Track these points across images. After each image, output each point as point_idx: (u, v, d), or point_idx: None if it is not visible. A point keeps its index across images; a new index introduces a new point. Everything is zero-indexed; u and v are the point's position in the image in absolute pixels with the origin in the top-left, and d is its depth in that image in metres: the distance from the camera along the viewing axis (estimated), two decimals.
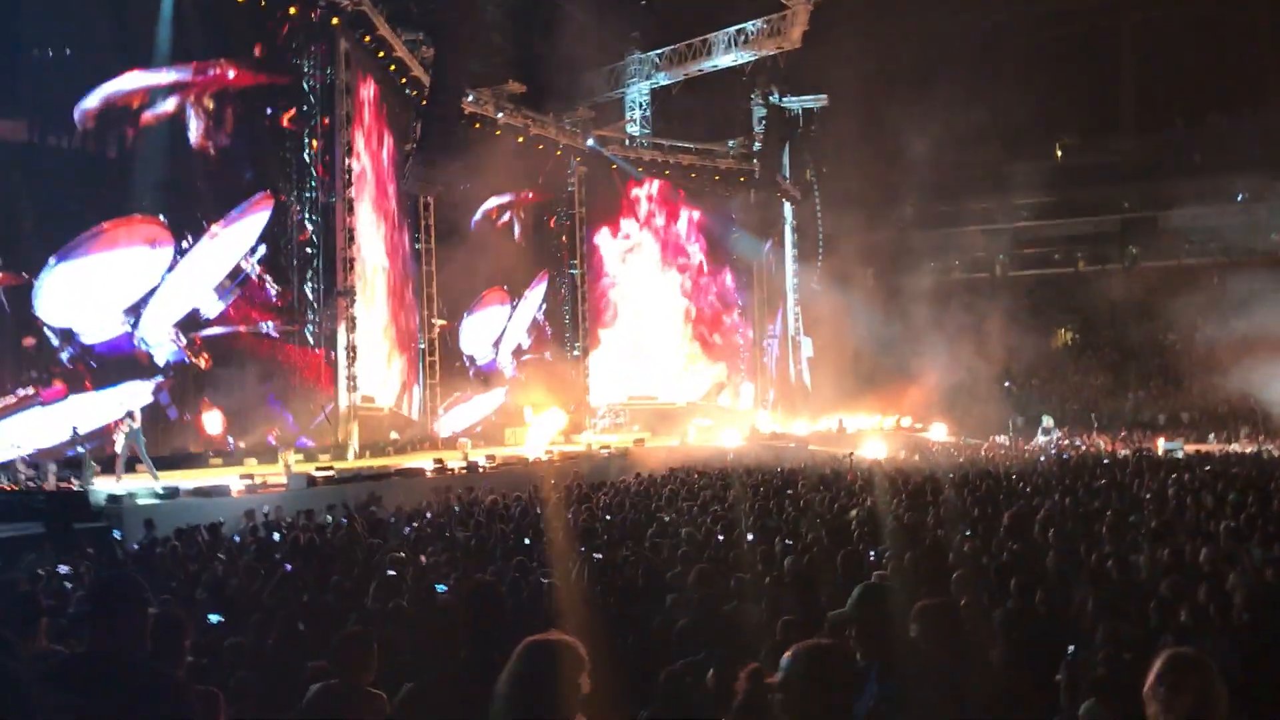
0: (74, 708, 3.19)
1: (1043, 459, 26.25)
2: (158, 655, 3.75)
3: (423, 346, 29.93)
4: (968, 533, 10.64)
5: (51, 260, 20.35)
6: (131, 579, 3.58)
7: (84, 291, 20.79)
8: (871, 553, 8.87)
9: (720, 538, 10.40)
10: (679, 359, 39.47)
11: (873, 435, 34.19)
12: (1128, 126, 50.42)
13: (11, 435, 19.06)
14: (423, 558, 9.54)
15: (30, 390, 19.85)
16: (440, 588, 7.97)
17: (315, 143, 25.35)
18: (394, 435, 26.87)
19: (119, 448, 18.13)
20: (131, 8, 22.03)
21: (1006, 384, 44.38)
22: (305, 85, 25.26)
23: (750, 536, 10.34)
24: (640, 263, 38.96)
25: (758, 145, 39.94)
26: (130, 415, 18.32)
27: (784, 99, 40.00)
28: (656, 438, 32.15)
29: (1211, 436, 35.05)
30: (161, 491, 16.23)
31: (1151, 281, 45.50)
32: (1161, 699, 2.98)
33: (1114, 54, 48.55)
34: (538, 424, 30.66)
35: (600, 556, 9.18)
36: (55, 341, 20.58)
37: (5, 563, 11.11)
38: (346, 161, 25.38)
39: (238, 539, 12.28)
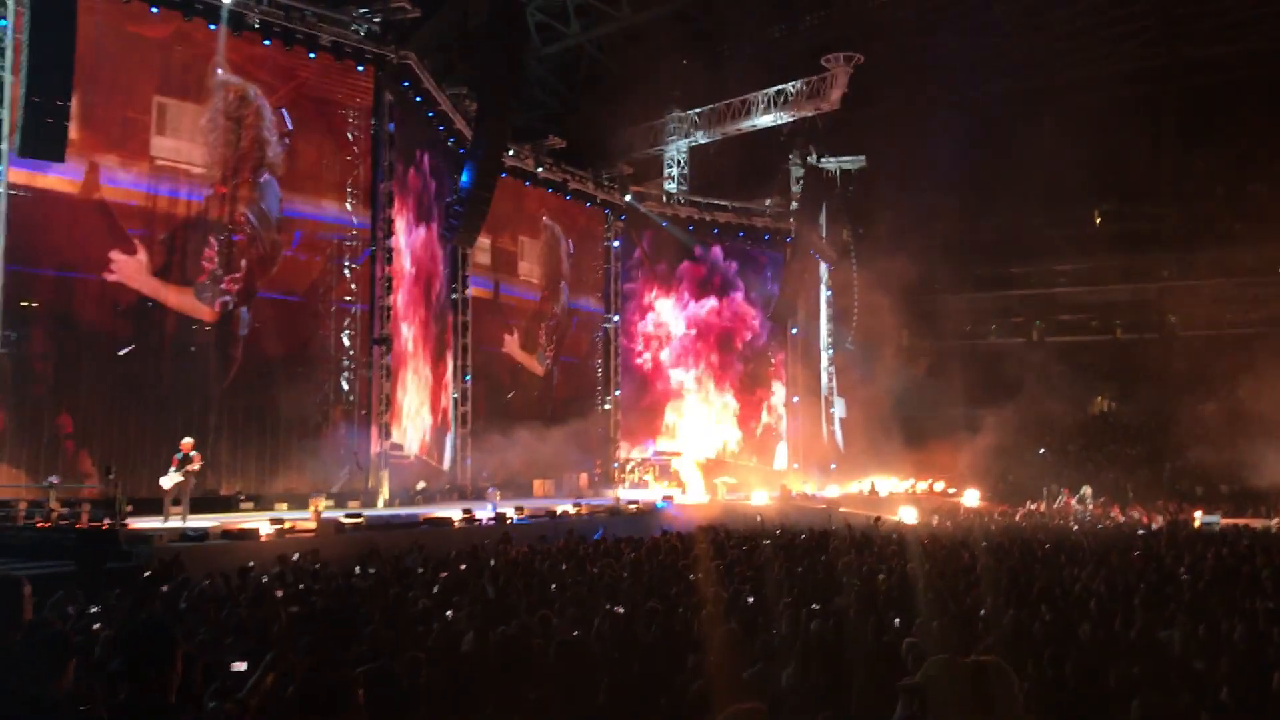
0: None
1: (1076, 528, 25.90)
2: (187, 700, 3.78)
3: (455, 396, 30.08)
4: (999, 602, 10.52)
5: None
6: (162, 628, 3.62)
7: None
8: (898, 620, 8.77)
9: (750, 599, 10.32)
10: (708, 417, 39.43)
11: (904, 499, 33.86)
12: (1167, 193, 50.20)
13: None
14: (449, 612, 9.52)
15: None
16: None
17: (355, 192, 25.76)
18: (421, 485, 26.90)
19: (168, 484, 18.22)
20: None
21: (1041, 450, 43.91)
22: (349, 135, 25.69)
23: (782, 599, 10.26)
24: (673, 318, 39.19)
25: (794, 205, 40.14)
26: (194, 454, 18.50)
27: (822, 159, 40.25)
28: (685, 494, 32.02)
29: (1250, 510, 34.44)
30: (191, 533, 16.33)
31: (1190, 350, 45.05)
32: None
33: (1155, 120, 48.49)
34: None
35: (621, 611, 9.14)
36: None
37: (37, 601, 11.19)
38: (386, 212, 25.74)
39: (266, 580, 12.30)
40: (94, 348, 21.08)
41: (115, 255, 21.14)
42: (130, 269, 21.40)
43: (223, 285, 22.93)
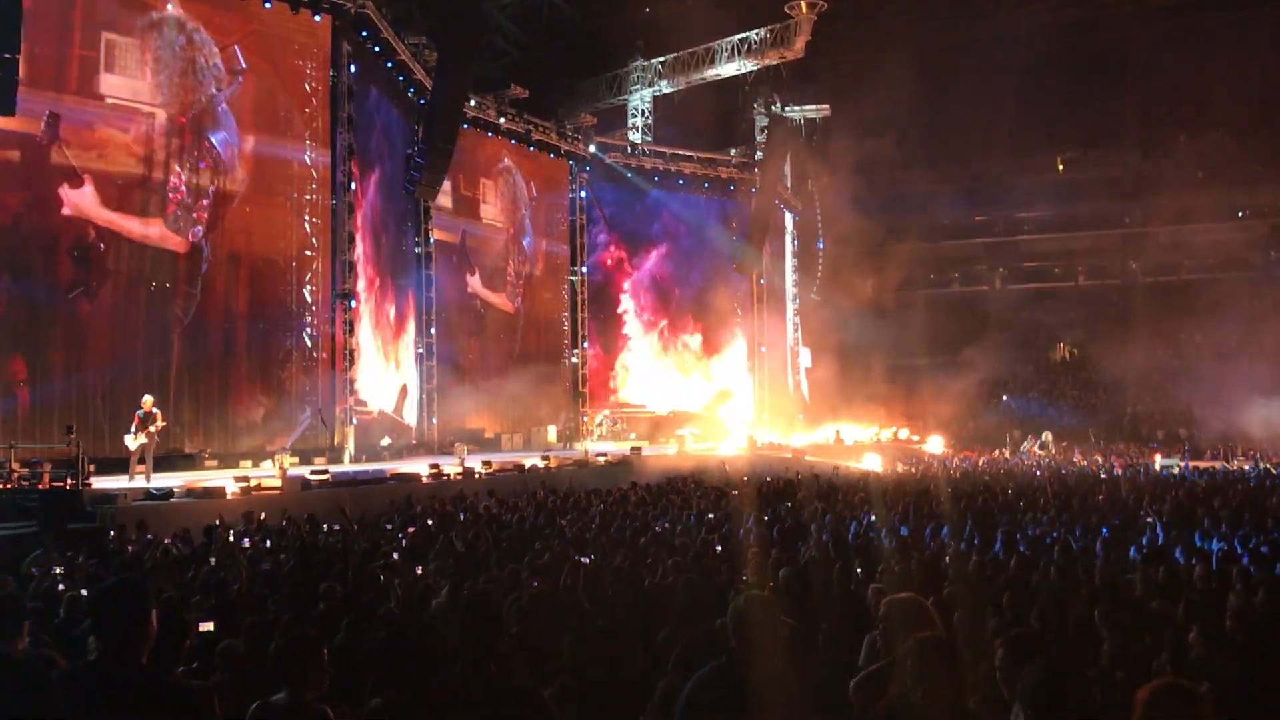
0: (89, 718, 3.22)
1: (1039, 473, 26.25)
2: (159, 660, 3.74)
3: (420, 350, 29.91)
4: (962, 547, 10.66)
5: None
6: (136, 586, 3.57)
7: None
8: (863, 566, 8.86)
9: (719, 549, 10.39)
10: (675, 368, 39.53)
11: (870, 447, 34.17)
12: (1130, 141, 50.50)
13: None
14: (418, 568, 9.52)
15: None
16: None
17: (314, 145, 25.38)
18: (386, 441, 26.79)
19: (133, 445, 18.04)
20: None
21: (1005, 398, 44.41)
22: (306, 86, 25.26)
23: (750, 548, 10.33)
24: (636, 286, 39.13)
25: (759, 154, 40.02)
26: (156, 412, 18.29)
27: (786, 108, 40.09)
28: (652, 446, 32.15)
29: (1209, 454, 35.07)
30: (155, 492, 16.21)
31: (1151, 297, 45.58)
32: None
33: (1119, 67, 48.63)
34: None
35: (587, 562, 9.17)
36: None
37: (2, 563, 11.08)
38: (346, 164, 25.39)
39: (233, 541, 12.25)
40: (50, 290, 20.65)
41: (65, 191, 20.68)
42: (84, 202, 20.94)
43: (194, 215, 22.61)
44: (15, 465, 16.99)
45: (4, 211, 20.19)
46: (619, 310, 38.79)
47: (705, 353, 40.40)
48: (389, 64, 27.66)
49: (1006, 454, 35.94)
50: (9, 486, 16.04)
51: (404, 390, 29.26)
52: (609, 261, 38.67)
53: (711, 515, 13.84)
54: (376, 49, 26.81)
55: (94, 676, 3.37)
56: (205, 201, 22.90)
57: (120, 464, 18.28)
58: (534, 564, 9.38)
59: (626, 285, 38.97)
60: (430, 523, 13.94)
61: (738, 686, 3.79)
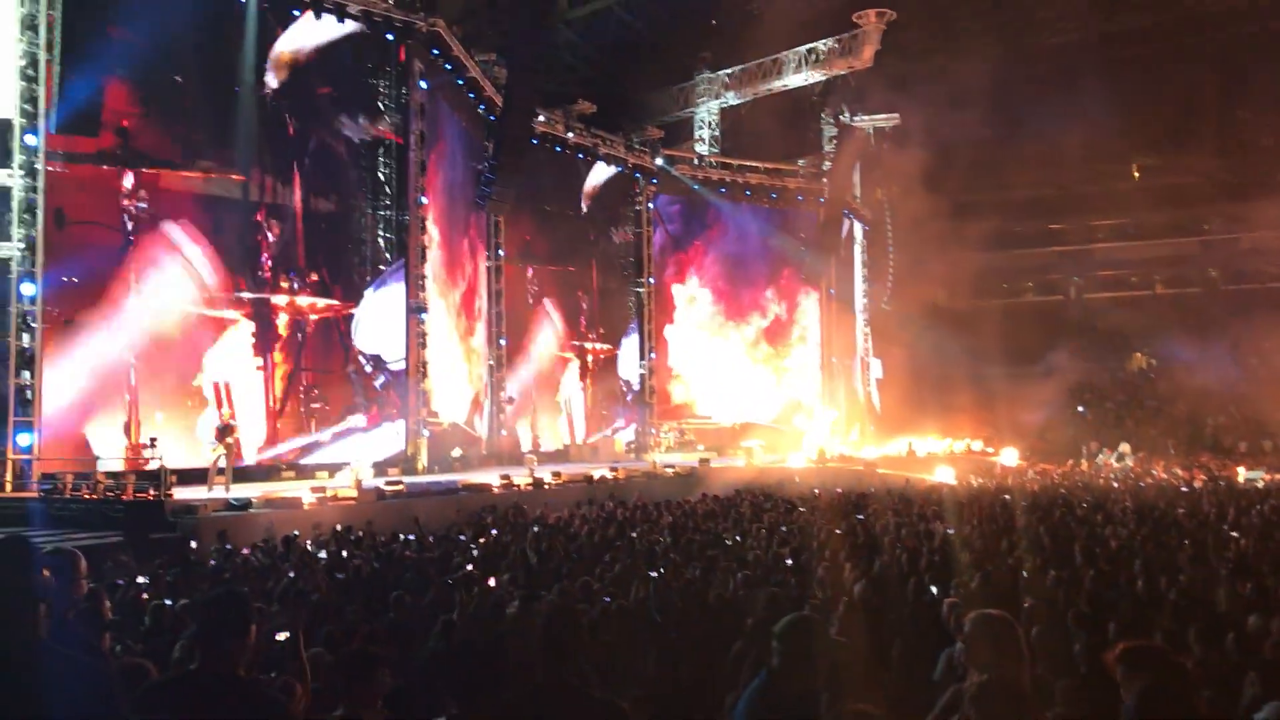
0: None
1: (1117, 485, 25.71)
2: (253, 670, 3.81)
3: (490, 363, 30.17)
4: (1040, 562, 10.46)
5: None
6: (240, 599, 3.64)
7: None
8: (938, 581, 8.74)
9: (789, 562, 10.33)
10: (746, 379, 39.37)
11: (942, 459, 33.72)
12: (1209, 145, 49.27)
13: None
14: (491, 579, 9.60)
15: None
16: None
17: (388, 160, 25.85)
18: (456, 452, 27.05)
19: (211, 457, 18.48)
20: None
21: (1080, 409, 43.54)
22: (380, 105, 25.73)
23: (822, 562, 10.26)
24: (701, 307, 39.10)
25: (828, 165, 39.78)
26: (234, 424, 18.80)
27: (855, 118, 39.81)
28: (720, 458, 32.07)
29: None
30: (235, 503, 16.55)
31: (1232, 305, 44.40)
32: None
33: (1197, 72, 47.51)
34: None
35: (657, 576, 9.16)
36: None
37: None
38: (420, 179, 25.77)
39: (312, 550, 12.46)
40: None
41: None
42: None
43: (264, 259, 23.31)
44: (100, 476, 17.49)
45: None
46: (685, 322, 38.72)
47: (773, 364, 40.20)
48: (460, 81, 28.00)
49: (1083, 466, 35.22)
50: (95, 497, 16.51)
51: (476, 401, 29.54)
52: (674, 274, 38.66)
53: (783, 528, 13.76)
54: (448, 66, 27.17)
55: (192, 685, 3.45)
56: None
57: (201, 475, 18.75)
58: (605, 576, 9.40)
59: (692, 298, 38.90)
60: (495, 532, 14.06)
61: (774, 706, 3.77)
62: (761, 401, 39.44)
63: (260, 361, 23.00)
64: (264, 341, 23.06)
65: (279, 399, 23.35)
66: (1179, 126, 48.61)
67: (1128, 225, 49.67)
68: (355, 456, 23.00)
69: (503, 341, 30.40)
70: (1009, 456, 36.66)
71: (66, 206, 19.79)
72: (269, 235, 23.38)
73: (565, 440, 33.06)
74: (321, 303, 24.15)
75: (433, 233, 26.64)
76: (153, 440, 19.05)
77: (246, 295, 22.75)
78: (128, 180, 20.93)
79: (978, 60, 40.51)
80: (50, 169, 19.31)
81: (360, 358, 24.81)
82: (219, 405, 21.40)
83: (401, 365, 25.23)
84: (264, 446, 22.86)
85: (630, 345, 36.42)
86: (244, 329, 22.73)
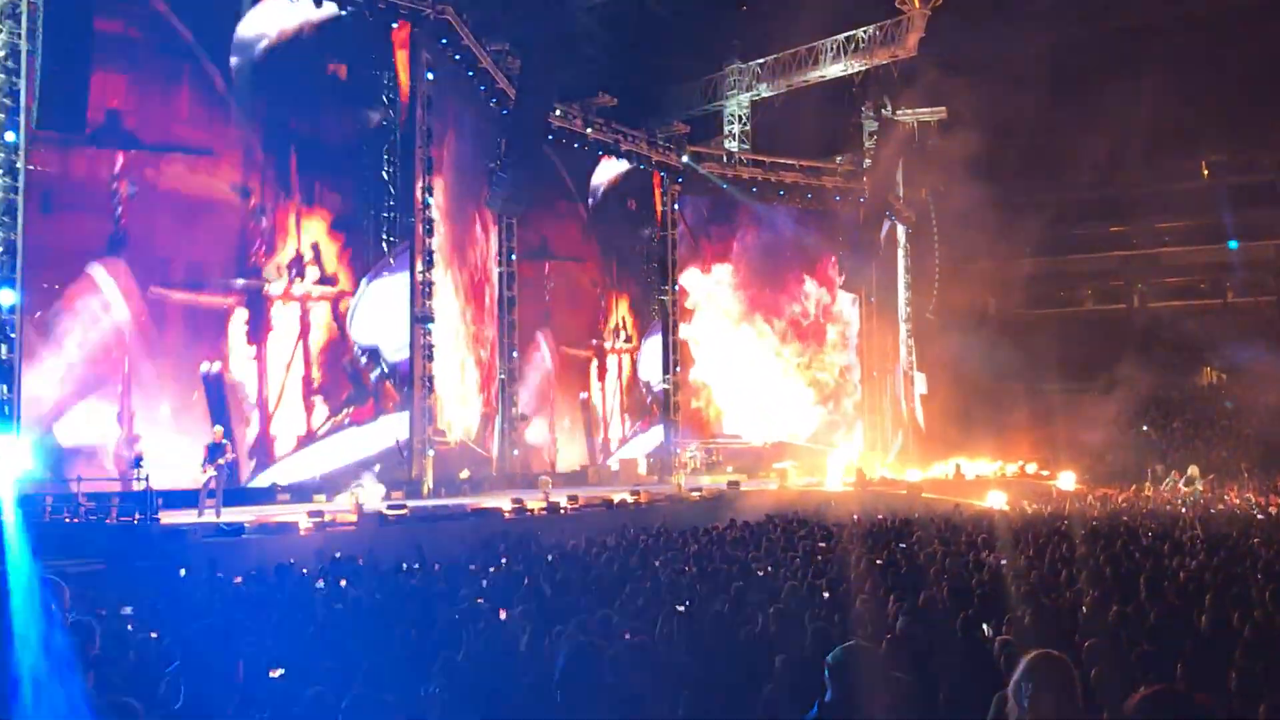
0: None
1: (1185, 512, 25.50)
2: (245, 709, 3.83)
3: (502, 376, 30.23)
4: (1100, 596, 10.38)
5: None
6: (226, 636, 3.67)
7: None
8: (989, 616, 8.69)
9: (826, 594, 10.29)
10: (778, 392, 39.28)
11: (993, 483, 33.53)
12: None
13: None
14: (502, 612, 9.60)
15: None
16: None
17: (391, 156, 25.95)
18: (465, 473, 27.09)
19: (203, 478, 18.56)
20: None
21: (1144, 427, 43.22)
22: (385, 98, 25.85)
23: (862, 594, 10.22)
24: (727, 297, 39.09)
25: (868, 162, 39.72)
26: (226, 443, 18.90)
27: (898, 112, 39.73)
28: (751, 480, 32.01)
29: None
30: (225, 528, 16.62)
31: None
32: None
33: (1272, 61, 47.18)
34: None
35: (685, 609, 9.14)
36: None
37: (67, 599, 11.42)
38: (426, 178, 25.86)
39: (307, 580, 12.50)
40: None
41: None
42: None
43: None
44: (83, 499, 17.59)
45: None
46: (710, 331, 38.69)
47: (807, 379, 40.07)
48: (470, 73, 28.12)
49: (1148, 491, 34.94)
50: (77, 520, 16.61)
51: (486, 418, 29.60)
52: (701, 278, 38.64)
53: (819, 557, 13.71)
54: (457, 57, 27.29)
55: None
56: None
57: (189, 498, 18.82)
58: (626, 609, 9.38)
59: (718, 305, 38.87)
60: (504, 560, 14.07)
61: None
62: (796, 417, 39.32)
63: (254, 352, 23.39)
64: (258, 332, 23.51)
65: (278, 393, 23.84)
66: (1252, 120, 48.23)
67: (1196, 227, 49.33)
68: (355, 468, 23.31)
69: (514, 354, 30.43)
70: (1066, 480, 36.40)
71: (51, 197, 20.24)
72: (262, 224, 23.72)
73: (584, 450, 33.14)
74: (317, 291, 24.51)
75: (439, 233, 26.72)
76: (138, 458, 19.15)
77: (239, 283, 23.24)
78: (116, 169, 21.31)
79: (1032, 47, 40.39)
80: (31, 168, 19.49)
81: (356, 349, 25.04)
82: (210, 407, 21.82)
83: (402, 356, 25.71)
84: (258, 438, 23.36)
85: (651, 346, 36.43)
86: (238, 319, 23.26)
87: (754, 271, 39.33)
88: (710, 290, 38.61)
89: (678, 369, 36.99)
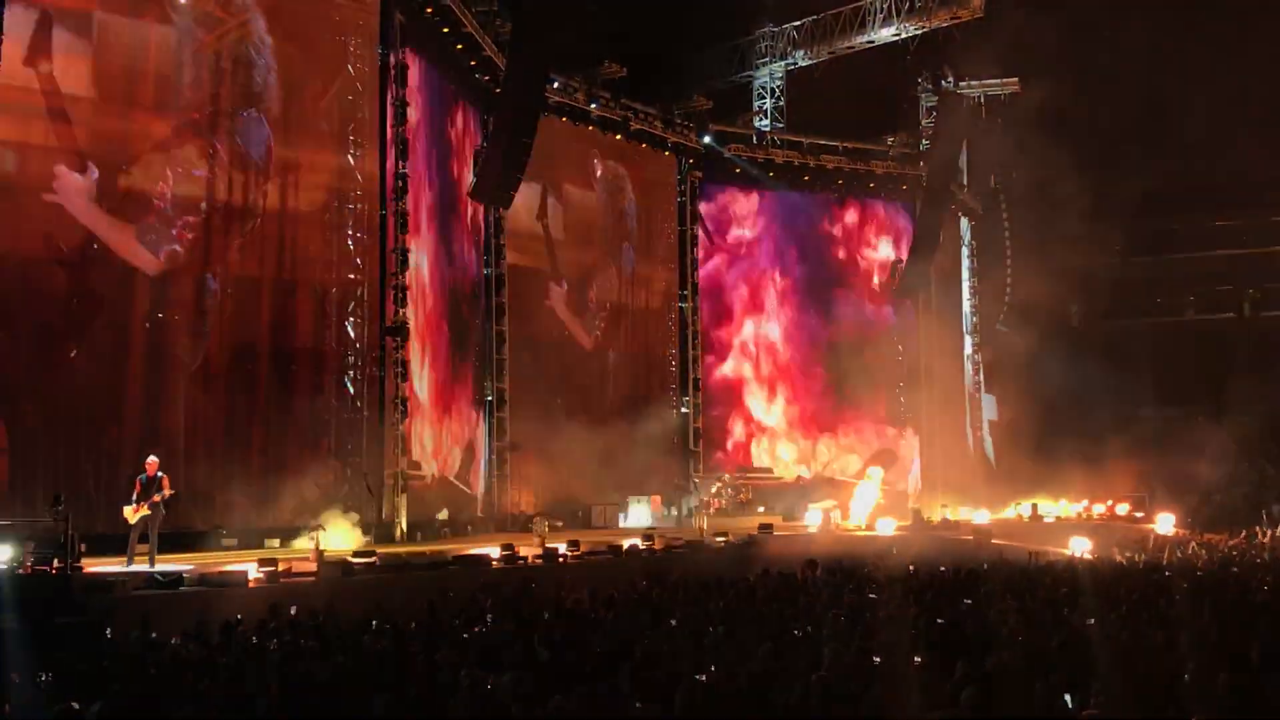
0: None
1: None
2: None
3: (490, 399, 30.25)
4: (1207, 662, 10.35)
5: None
6: (156, 708, 3.69)
7: None
8: (1072, 686, 8.68)
9: (876, 660, 10.28)
10: (811, 425, 39.32)
11: (1076, 526, 33.46)
12: None
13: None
14: (489, 680, 9.59)
15: None
16: None
17: (359, 137, 25.93)
18: (443, 514, 27.06)
19: (133, 519, 18.49)
20: None
21: (1260, 460, 43.13)
22: (350, 69, 25.87)
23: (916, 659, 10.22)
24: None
25: (925, 144, 39.76)
26: (163, 477, 18.77)
27: (961, 84, 39.79)
28: (786, 523, 31.98)
29: None
30: (161, 579, 16.61)
31: None
32: None
33: None
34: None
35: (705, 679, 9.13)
36: None
37: None
38: (398, 164, 25.87)
39: (256, 641, 12.49)
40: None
41: (60, 170, 21.55)
42: (73, 190, 21.76)
43: (173, 231, 23.07)
44: None
45: None
46: (735, 345, 38.74)
47: (854, 403, 39.98)
48: (453, 40, 28.16)
49: (1263, 537, 34.84)
50: None
51: (470, 449, 29.61)
52: (723, 283, 38.72)
53: (868, 614, 13.68)
54: (436, 19, 27.33)
55: None
56: (191, 219, 23.41)
57: (118, 542, 18.80)
58: (637, 677, 9.37)
59: (746, 314, 38.93)
60: (491, 618, 14.05)
61: None
62: (837, 452, 39.29)
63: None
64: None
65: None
66: None
67: None
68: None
69: (504, 374, 30.40)
70: (1165, 523, 36.35)
71: None
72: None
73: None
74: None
75: (414, 229, 26.75)
76: (57, 497, 19.13)
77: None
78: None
79: (1124, 8, 40.45)
80: None
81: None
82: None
83: None
84: None
85: None
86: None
87: (791, 324, 39.53)
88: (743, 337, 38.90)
89: (698, 391, 36.95)
